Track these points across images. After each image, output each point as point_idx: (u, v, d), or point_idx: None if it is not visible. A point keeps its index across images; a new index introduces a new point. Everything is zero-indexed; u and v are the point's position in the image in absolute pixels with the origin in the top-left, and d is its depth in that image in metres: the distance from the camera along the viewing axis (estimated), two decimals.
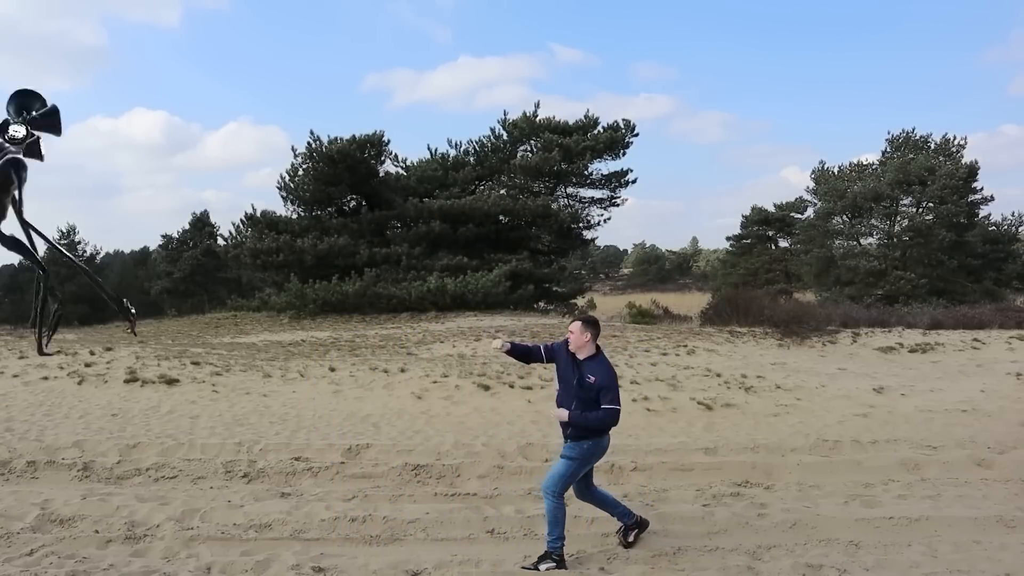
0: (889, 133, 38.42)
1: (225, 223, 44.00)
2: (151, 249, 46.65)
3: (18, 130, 4.48)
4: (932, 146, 36.47)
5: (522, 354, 5.02)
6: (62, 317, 7.10)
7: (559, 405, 4.79)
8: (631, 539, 4.96)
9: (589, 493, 5.02)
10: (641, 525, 5.01)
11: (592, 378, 4.62)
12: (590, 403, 4.63)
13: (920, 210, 33.66)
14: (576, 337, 4.74)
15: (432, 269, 24.22)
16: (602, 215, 32.01)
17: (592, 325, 4.84)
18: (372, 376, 11.25)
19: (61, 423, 8.64)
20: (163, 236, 43.01)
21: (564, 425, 4.76)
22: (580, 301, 34.14)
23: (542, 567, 4.63)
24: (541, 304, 28.13)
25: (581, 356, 4.75)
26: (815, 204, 39.57)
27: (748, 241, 49.64)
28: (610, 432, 4.80)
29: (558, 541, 4.69)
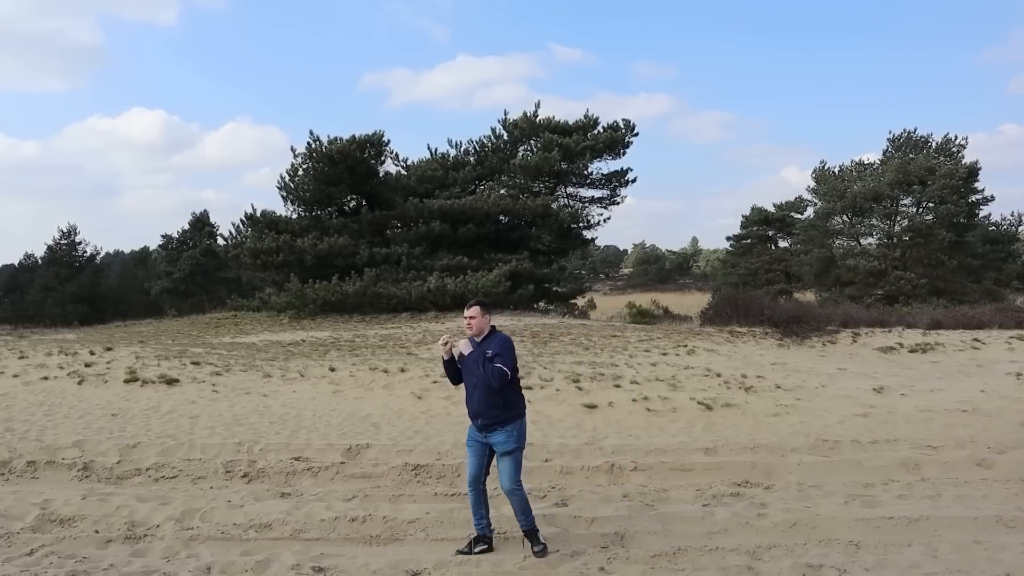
0: (890, 133, 38.56)
1: (225, 223, 44.14)
2: (151, 249, 46.71)
3: None
4: (933, 146, 36.50)
5: (454, 372, 5.09)
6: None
7: (468, 398, 4.95)
8: (469, 548, 4.92)
9: (483, 482, 5.03)
10: (488, 543, 4.96)
11: (491, 351, 4.83)
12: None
13: (920, 210, 33.67)
14: (478, 321, 4.93)
15: (432, 269, 24.21)
16: (602, 215, 32.05)
17: (489, 307, 5.07)
18: (372, 376, 11.25)
19: (61, 423, 8.64)
20: (163, 236, 43.12)
21: (475, 417, 4.91)
22: (580, 301, 34.16)
23: (541, 546, 4.87)
24: (541, 304, 28.12)
25: (480, 339, 4.94)
26: (815, 204, 39.61)
27: (748, 241, 49.64)
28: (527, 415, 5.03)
29: (533, 518, 4.96)
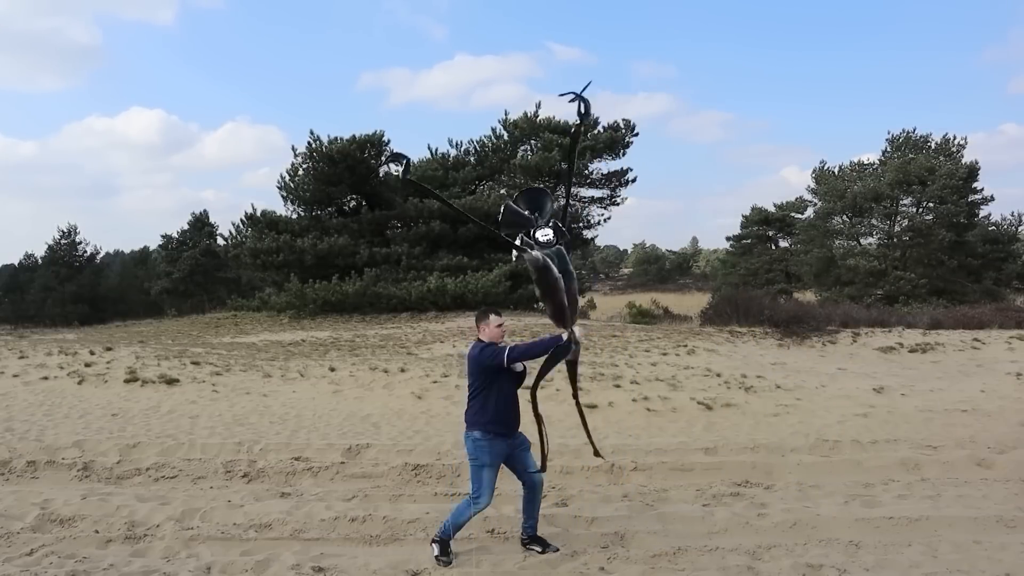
0: (889, 133, 38.47)
1: (224, 223, 44.00)
2: (151, 249, 46.66)
3: (547, 233, 4.36)
4: (932, 146, 36.48)
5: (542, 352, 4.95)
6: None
7: (507, 411, 4.85)
8: (438, 553, 4.72)
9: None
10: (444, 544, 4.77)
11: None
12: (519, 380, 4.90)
13: (920, 210, 33.67)
14: (504, 328, 4.95)
15: (432, 269, 24.22)
16: (602, 214, 32.08)
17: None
18: (372, 376, 11.25)
19: (61, 423, 8.64)
20: (163, 236, 43.00)
21: (513, 427, 4.90)
22: (580, 301, 34.17)
23: (552, 547, 4.91)
24: (541, 304, 28.09)
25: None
26: (815, 204, 39.60)
27: (748, 241, 49.61)
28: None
29: None
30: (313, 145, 26.11)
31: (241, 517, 5.48)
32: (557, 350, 4.80)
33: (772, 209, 47.80)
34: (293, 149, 27.21)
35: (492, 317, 4.89)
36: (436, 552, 4.70)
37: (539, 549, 4.88)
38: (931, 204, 32.79)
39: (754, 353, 14.17)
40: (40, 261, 39.64)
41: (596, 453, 5.17)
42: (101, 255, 42.73)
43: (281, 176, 27.40)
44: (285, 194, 27.47)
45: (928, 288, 30.39)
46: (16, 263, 41.83)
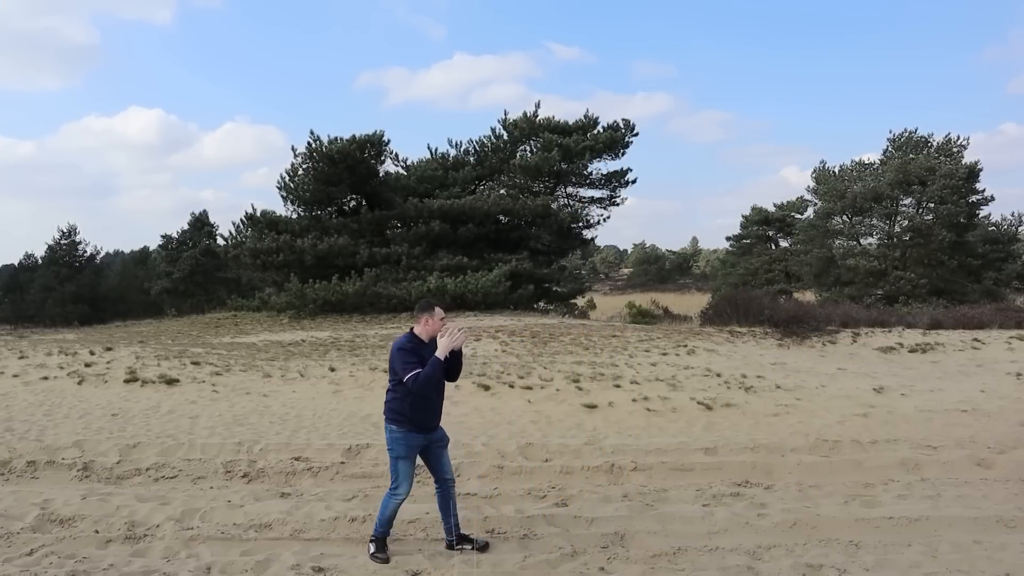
0: (891, 132, 38.43)
1: (224, 223, 43.95)
2: (151, 249, 46.66)
3: None
4: (933, 146, 36.47)
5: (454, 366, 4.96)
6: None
7: (431, 408, 4.92)
8: (374, 551, 4.80)
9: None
10: (379, 542, 4.85)
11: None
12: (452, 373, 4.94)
13: (920, 210, 33.65)
14: (446, 323, 4.86)
15: (432, 269, 24.21)
16: (602, 215, 32.04)
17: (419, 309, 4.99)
18: (372, 376, 11.26)
19: (61, 423, 8.64)
20: (163, 236, 43.03)
21: (433, 424, 4.96)
22: (580, 301, 34.17)
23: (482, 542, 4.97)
24: (541, 304, 28.13)
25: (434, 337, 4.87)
26: (815, 204, 39.58)
27: (748, 241, 49.65)
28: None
29: None
30: (313, 145, 26.08)
31: (241, 517, 5.48)
32: (449, 365, 4.84)
33: (772, 209, 47.85)
34: (293, 149, 27.20)
35: (438, 310, 4.86)
36: (372, 550, 4.78)
37: (470, 547, 4.87)
38: (931, 204, 32.78)
39: (754, 353, 14.16)
40: (40, 261, 39.68)
41: None
42: (101, 255, 42.81)
43: (281, 176, 27.41)
44: (285, 194, 27.45)
45: (928, 288, 30.39)
46: (16, 263, 41.91)
